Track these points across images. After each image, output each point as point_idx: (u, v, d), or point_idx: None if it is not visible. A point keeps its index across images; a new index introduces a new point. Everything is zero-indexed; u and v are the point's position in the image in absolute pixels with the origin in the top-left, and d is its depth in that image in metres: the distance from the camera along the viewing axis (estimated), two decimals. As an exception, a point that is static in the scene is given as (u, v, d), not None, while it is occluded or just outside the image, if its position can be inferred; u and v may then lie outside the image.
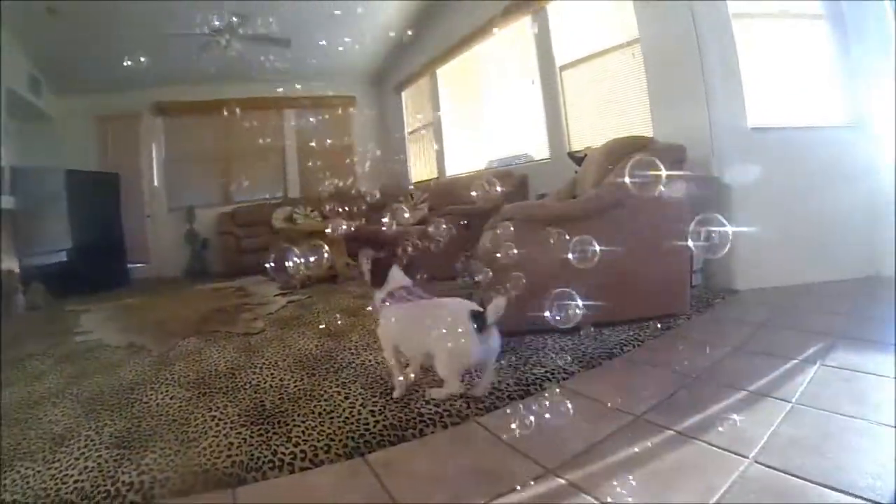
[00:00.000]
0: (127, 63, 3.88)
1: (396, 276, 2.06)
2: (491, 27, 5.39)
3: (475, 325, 1.75)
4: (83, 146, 6.95)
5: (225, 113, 6.47)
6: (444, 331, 1.78)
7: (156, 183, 7.44)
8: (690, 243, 1.45)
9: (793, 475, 1.26)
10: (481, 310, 1.78)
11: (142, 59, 4.11)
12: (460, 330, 1.75)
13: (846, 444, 1.39)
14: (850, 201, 3.40)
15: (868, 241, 3.40)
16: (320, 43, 6.62)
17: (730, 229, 1.46)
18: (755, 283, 3.33)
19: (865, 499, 1.15)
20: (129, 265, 6.96)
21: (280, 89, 7.68)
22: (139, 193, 7.35)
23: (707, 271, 3.51)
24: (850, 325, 2.46)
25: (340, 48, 7.05)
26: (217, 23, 4.90)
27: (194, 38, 5.11)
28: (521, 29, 5.18)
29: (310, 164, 8.18)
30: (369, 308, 2.23)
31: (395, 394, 1.98)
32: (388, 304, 2.01)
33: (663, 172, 1.77)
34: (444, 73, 6.73)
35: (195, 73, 6.77)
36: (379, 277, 2.07)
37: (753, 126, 3.37)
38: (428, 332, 1.83)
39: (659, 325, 2.64)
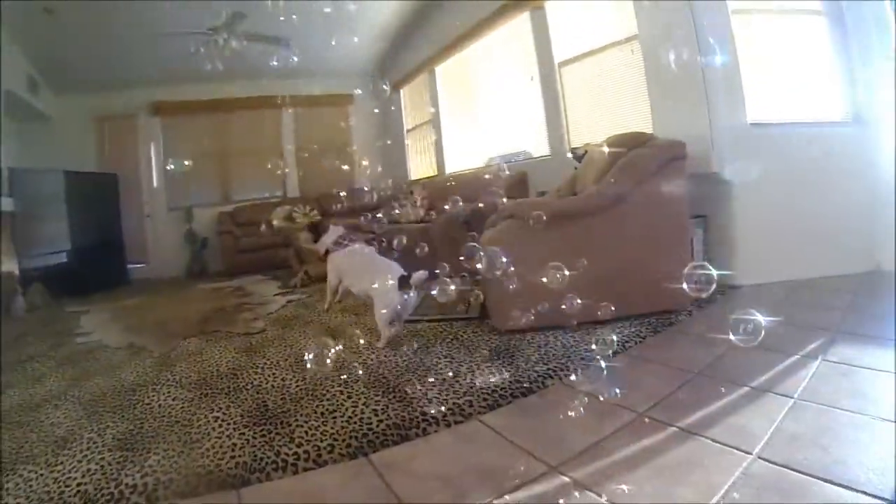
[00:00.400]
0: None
1: (333, 229, 3.05)
2: (490, 23, 5.37)
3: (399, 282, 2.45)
4: (81, 147, 6.92)
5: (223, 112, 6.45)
6: (377, 285, 2.58)
7: (155, 183, 7.42)
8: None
9: (795, 470, 1.27)
10: (406, 275, 2.43)
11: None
12: (387, 279, 2.48)
13: (847, 439, 1.40)
14: (850, 197, 3.40)
15: (868, 235, 3.40)
16: (318, 42, 6.62)
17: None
18: (755, 278, 3.33)
19: (867, 493, 1.16)
20: (129, 265, 6.95)
21: (278, 88, 7.70)
22: (138, 193, 7.33)
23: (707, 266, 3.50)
24: (850, 320, 2.47)
25: (337, 46, 7.05)
26: (214, 21, 4.88)
27: (192, 37, 5.09)
28: (519, 25, 5.15)
29: (308, 161, 8.18)
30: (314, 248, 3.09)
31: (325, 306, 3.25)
32: (336, 251, 3.02)
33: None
34: (443, 70, 6.71)
35: (193, 72, 6.72)
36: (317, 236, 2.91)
37: (753, 122, 3.36)
38: (368, 281, 2.66)
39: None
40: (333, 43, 6.90)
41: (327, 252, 3.24)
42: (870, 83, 3.40)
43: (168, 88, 7.21)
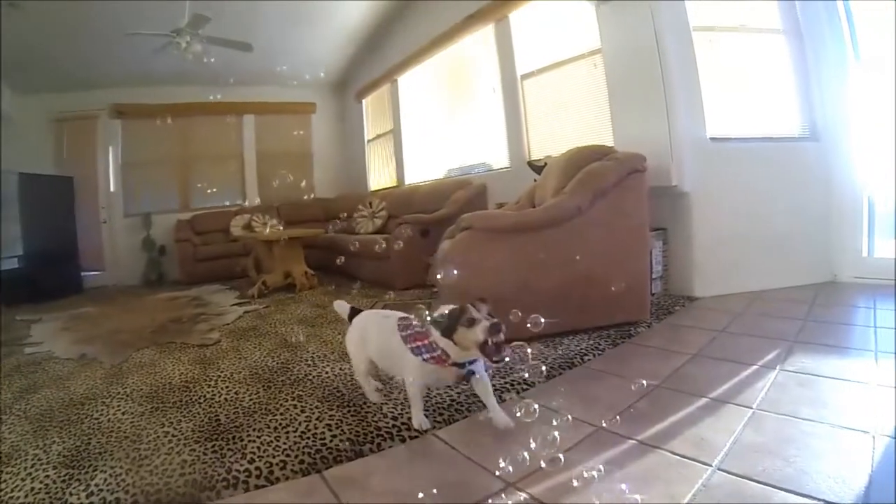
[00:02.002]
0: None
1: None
2: (454, 35, 5.39)
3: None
4: (39, 148, 6.68)
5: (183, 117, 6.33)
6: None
7: (112, 187, 7.19)
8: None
9: (756, 481, 1.27)
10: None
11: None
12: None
13: (807, 448, 1.40)
14: (806, 210, 3.51)
15: (824, 247, 3.50)
16: (282, 48, 6.58)
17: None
18: (714, 290, 3.39)
19: (828, 501, 1.16)
20: (83, 273, 6.71)
21: (241, 94, 7.60)
22: (95, 198, 7.10)
23: (666, 279, 3.55)
24: (808, 330, 2.51)
25: (301, 53, 7.02)
26: (177, 23, 4.77)
27: (154, 38, 4.96)
28: (483, 37, 5.18)
29: (269, 170, 8.07)
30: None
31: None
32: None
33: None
34: (406, 80, 6.71)
35: (155, 75, 6.61)
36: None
37: (712, 136, 3.43)
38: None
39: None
40: (297, 51, 6.88)
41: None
42: (826, 100, 3.51)
43: (129, 90, 7.03)
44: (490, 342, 1.54)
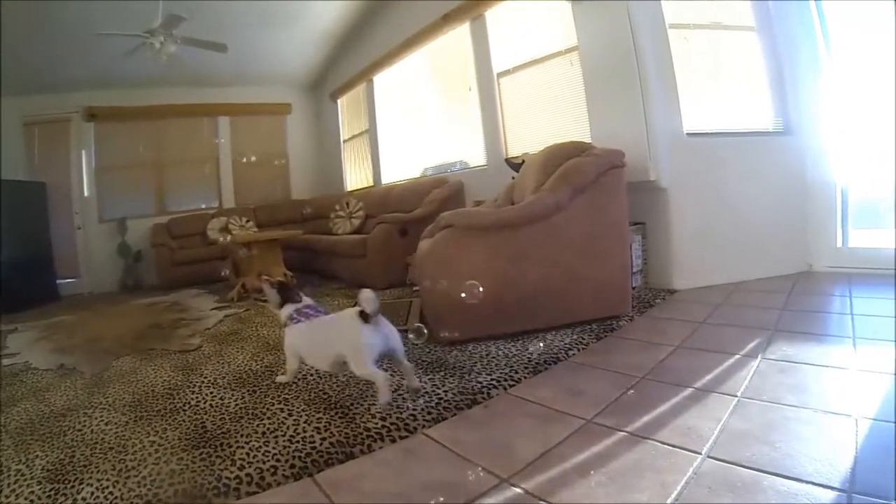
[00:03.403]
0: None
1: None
2: (429, 34, 5.38)
3: (362, 320, 1.91)
4: (9, 153, 6.46)
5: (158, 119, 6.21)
6: (343, 335, 1.99)
7: (86, 192, 7.03)
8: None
9: (745, 467, 1.29)
10: (362, 309, 1.92)
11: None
12: (353, 327, 1.93)
13: (793, 433, 1.43)
14: (782, 202, 3.58)
15: (799, 239, 3.58)
16: (256, 49, 6.51)
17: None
18: (693, 282, 3.44)
19: (816, 483, 1.19)
20: (59, 280, 6.54)
21: (215, 96, 7.53)
22: (68, 204, 6.92)
23: (646, 273, 3.60)
24: (786, 318, 2.57)
25: (276, 54, 6.95)
26: (151, 24, 4.69)
27: (128, 39, 4.87)
28: (459, 35, 5.17)
29: (245, 172, 8.01)
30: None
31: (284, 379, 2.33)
32: (295, 320, 2.26)
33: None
34: (381, 79, 6.68)
35: (128, 77, 6.48)
36: (283, 298, 2.31)
37: (689, 131, 3.48)
38: (332, 342, 2.05)
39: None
40: (272, 51, 6.81)
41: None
42: (799, 95, 3.58)
43: (102, 93, 6.88)
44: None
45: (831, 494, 1.15)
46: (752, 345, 2.21)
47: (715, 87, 3.68)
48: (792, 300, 2.91)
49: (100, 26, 4.81)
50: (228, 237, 6.28)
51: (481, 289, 2.41)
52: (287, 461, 1.57)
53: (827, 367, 1.89)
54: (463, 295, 2.41)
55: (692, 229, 3.46)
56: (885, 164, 3.25)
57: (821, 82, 3.50)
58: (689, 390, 1.81)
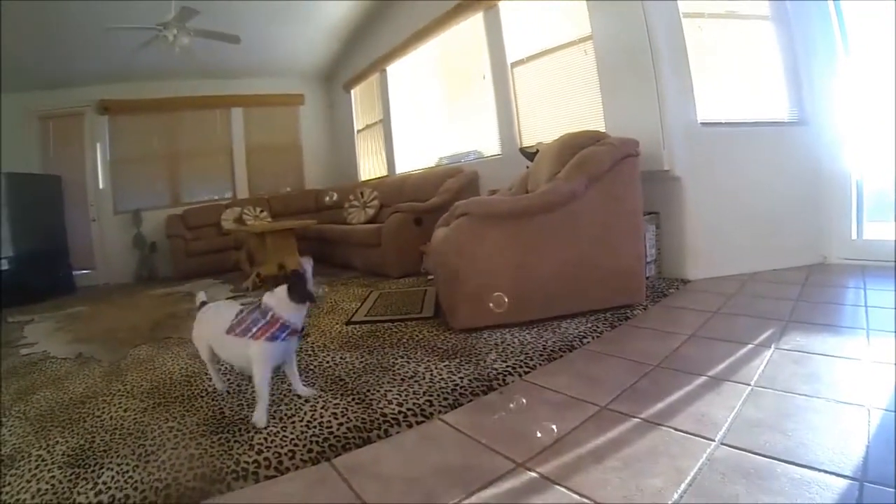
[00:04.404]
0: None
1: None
2: (443, 23, 5.37)
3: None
4: (25, 147, 6.58)
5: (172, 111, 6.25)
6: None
7: (101, 185, 7.11)
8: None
9: (758, 454, 1.30)
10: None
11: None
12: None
13: (806, 422, 1.44)
14: (796, 194, 3.55)
15: (814, 230, 3.55)
16: (268, 41, 6.53)
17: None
18: (706, 272, 3.43)
19: (828, 472, 1.20)
20: (75, 272, 6.63)
21: (228, 87, 7.57)
22: (83, 196, 7.01)
23: (659, 262, 3.59)
24: (800, 309, 2.56)
25: (289, 45, 6.97)
26: (164, 17, 4.72)
27: (141, 32, 4.90)
28: (473, 25, 5.16)
29: (258, 163, 8.05)
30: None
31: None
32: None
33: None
34: (395, 70, 6.67)
35: (141, 69, 6.53)
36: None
37: (703, 121, 3.46)
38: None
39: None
40: (284, 43, 6.82)
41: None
42: (814, 85, 3.54)
43: (116, 86, 6.94)
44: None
45: (844, 483, 1.16)
46: (765, 335, 2.20)
47: (729, 76, 3.64)
48: (806, 291, 2.90)
49: (113, 20, 4.85)
50: (233, 225, 6.34)
51: (507, 299, 2.43)
52: (305, 446, 1.60)
53: (840, 357, 1.89)
54: (491, 305, 2.43)
55: (706, 219, 3.44)
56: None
57: (837, 73, 3.46)
58: (702, 379, 1.82)
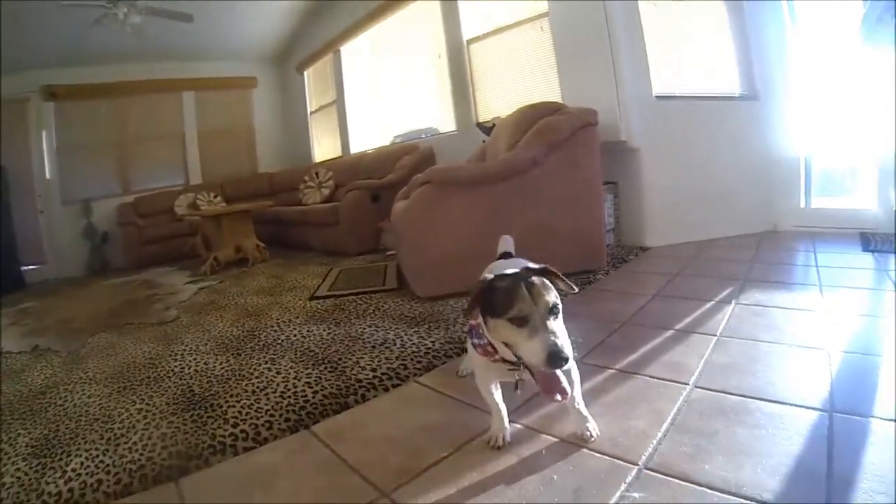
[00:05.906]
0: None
1: None
2: (398, 2, 5.30)
3: None
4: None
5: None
6: None
7: (48, 175, 6.75)
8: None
9: (731, 394, 1.37)
10: None
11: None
12: None
13: (771, 364, 1.52)
14: (747, 165, 3.68)
15: (764, 200, 3.70)
16: (220, 21, 6.31)
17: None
18: (664, 240, 3.54)
19: (799, 406, 1.27)
20: (23, 267, 6.29)
21: (179, 70, 7.29)
22: (30, 187, 6.62)
23: (618, 231, 3.68)
24: (756, 270, 2.68)
25: (241, 26, 6.75)
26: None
27: (90, 9, 4.64)
28: (428, 4, 5.11)
29: (211, 147, 7.81)
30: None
31: None
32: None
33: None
34: (348, 50, 6.57)
35: (89, 53, 6.21)
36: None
37: (658, 94, 3.54)
38: None
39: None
40: (236, 23, 6.61)
41: None
42: (764, 61, 3.67)
43: (63, 71, 6.55)
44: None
45: (814, 414, 1.23)
46: (725, 293, 2.29)
47: (684, 51, 3.73)
48: (760, 254, 3.02)
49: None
50: (187, 210, 6.16)
51: None
52: (281, 415, 1.58)
53: (797, 309, 1.99)
54: None
55: (662, 188, 3.54)
56: (845, 136, 3.42)
57: (784, 49, 3.58)
58: (670, 332, 1.88)
